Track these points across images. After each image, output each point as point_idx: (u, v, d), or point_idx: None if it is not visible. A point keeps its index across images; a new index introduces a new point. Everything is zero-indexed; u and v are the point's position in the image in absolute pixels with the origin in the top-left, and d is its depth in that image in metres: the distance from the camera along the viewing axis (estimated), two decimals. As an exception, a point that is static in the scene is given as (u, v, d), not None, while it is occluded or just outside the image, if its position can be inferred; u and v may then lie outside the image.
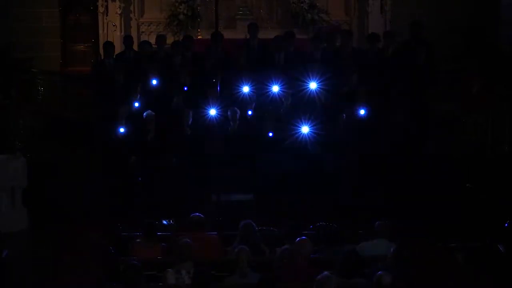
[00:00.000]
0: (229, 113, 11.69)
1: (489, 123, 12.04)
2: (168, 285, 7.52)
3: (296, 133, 11.14)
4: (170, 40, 13.97)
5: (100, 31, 15.11)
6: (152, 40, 13.60)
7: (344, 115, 11.64)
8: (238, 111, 11.69)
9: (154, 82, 12.00)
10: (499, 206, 10.72)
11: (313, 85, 11.53)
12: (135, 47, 13.50)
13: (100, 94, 12.61)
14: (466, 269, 7.65)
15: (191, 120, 11.76)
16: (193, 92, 12.12)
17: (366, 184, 11.37)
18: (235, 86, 11.79)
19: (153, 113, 11.71)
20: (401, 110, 11.74)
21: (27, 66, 13.68)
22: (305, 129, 11.11)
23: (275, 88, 11.73)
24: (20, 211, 11.26)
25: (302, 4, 15.12)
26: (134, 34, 14.94)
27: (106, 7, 15.12)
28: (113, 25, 15.02)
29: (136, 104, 11.98)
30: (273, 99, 11.83)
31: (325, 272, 6.87)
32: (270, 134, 11.47)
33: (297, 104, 11.76)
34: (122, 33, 14.86)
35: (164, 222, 10.62)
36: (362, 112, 11.52)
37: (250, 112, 11.67)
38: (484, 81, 12.38)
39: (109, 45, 13.20)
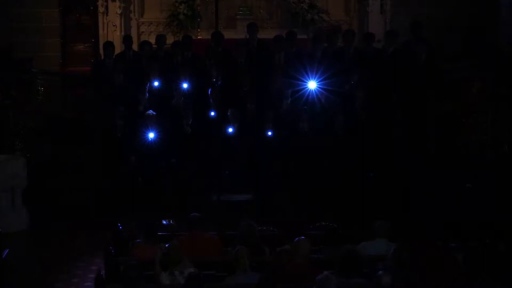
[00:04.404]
0: (229, 113, 11.70)
1: (489, 123, 12.04)
2: (164, 285, 7.55)
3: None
4: (170, 40, 13.97)
5: (100, 31, 15.11)
6: (152, 40, 13.60)
7: (343, 115, 11.66)
8: (239, 111, 11.70)
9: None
10: (499, 206, 10.73)
11: (312, 85, 11.53)
12: (135, 47, 13.52)
13: (100, 94, 12.62)
14: (466, 269, 7.64)
15: (191, 119, 11.78)
16: (194, 92, 12.14)
17: (366, 184, 11.38)
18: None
19: (154, 113, 11.73)
20: (401, 110, 11.76)
21: (27, 66, 13.67)
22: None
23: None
24: (20, 211, 11.29)
25: (302, 4, 15.12)
26: (134, 34, 14.94)
27: (106, 7, 15.12)
28: (113, 25, 15.03)
29: (143, 104, 12.00)
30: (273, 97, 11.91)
31: (325, 272, 6.87)
32: (269, 133, 11.49)
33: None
34: (122, 33, 14.87)
35: (164, 222, 10.63)
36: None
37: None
38: (484, 81, 12.38)
39: (109, 45, 13.21)
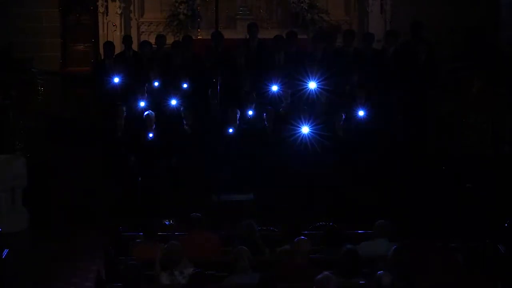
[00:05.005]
0: (229, 113, 11.69)
1: (489, 123, 12.05)
2: (164, 285, 7.55)
3: (297, 133, 11.14)
4: (170, 40, 13.97)
5: (100, 31, 15.10)
6: (152, 40, 13.60)
7: (343, 115, 11.65)
8: (238, 111, 11.70)
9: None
10: (499, 206, 10.73)
11: (312, 85, 11.54)
12: (135, 47, 13.52)
13: (100, 94, 12.62)
14: (466, 269, 7.65)
15: (191, 119, 11.78)
16: (193, 92, 12.13)
17: (367, 184, 11.38)
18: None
19: (153, 113, 11.73)
20: (401, 110, 11.76)
21: (27, 66, 13.67)
22: (305, 130, 11.11)
23: (274, 88, 11.79)
24: (20, 211, 11.28)
25: (302, 4, 15.11)
26: (134, 34, 14.93)
27: (106, 7, 15.10)
28: (113, 25, 15.02)
29: (142, 104, 12.00)
30: (272, 98, 11.89)
31: (325, 272, 6.87)
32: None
33: (297, 104, 11.80)
34: (122, 33, 14.85)
35: (166, 222, 10.62)
36: (361, 113, 11.52)
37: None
38: (484, 81, 12.39)
39: (109, 45, 13.21)
